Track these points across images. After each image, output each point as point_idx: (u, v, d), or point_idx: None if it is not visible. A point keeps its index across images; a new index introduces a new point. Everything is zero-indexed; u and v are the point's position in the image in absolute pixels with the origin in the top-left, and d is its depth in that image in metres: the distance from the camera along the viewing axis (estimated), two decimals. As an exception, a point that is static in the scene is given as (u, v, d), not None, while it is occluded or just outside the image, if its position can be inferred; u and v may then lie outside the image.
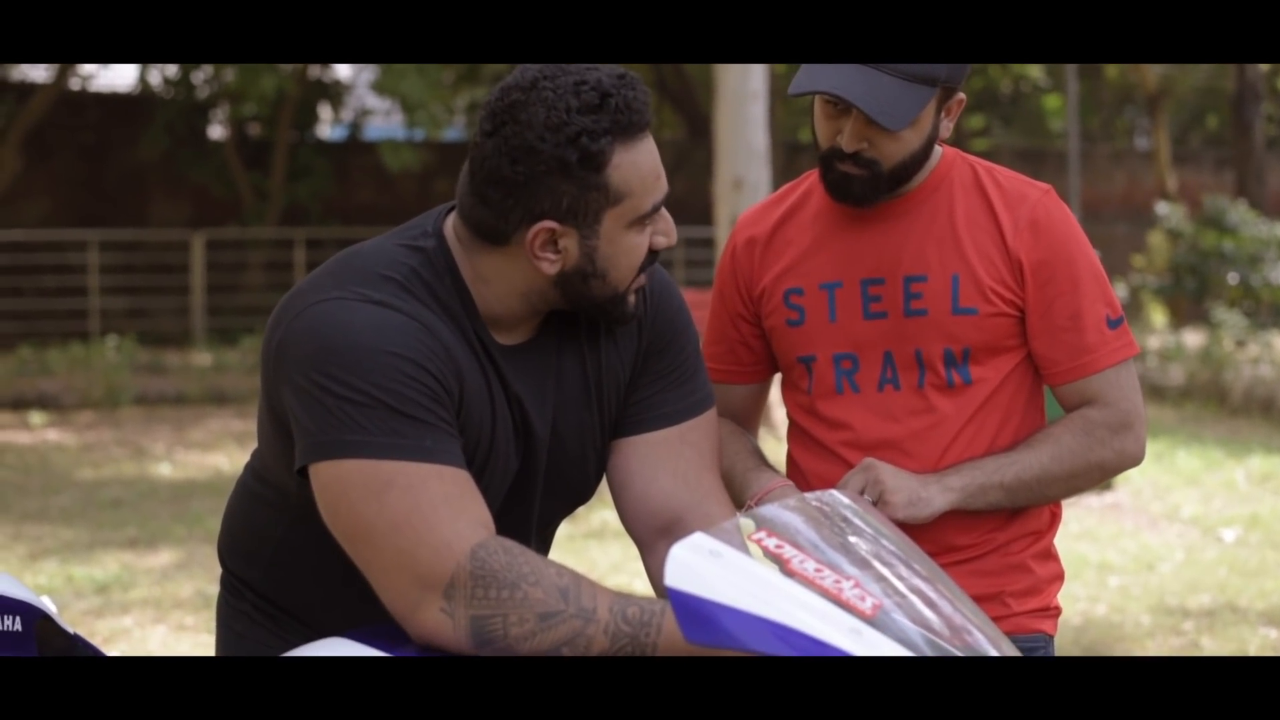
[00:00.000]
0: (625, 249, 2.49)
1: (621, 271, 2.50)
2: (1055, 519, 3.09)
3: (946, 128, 2.95)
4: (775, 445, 3.26)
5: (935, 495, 2.88)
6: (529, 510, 2.64)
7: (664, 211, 2.52)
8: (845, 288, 2.99)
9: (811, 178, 3.09)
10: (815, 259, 3.02)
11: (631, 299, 2.56)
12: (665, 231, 2.53)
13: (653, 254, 2.54)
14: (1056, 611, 3.09)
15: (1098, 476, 3.01)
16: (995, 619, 2.65)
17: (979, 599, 2.27)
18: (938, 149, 3.00)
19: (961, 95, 2.96)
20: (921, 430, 2.97)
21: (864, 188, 2.92)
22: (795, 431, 3.12)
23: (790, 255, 3.05)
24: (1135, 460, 3.01)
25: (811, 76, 2.85)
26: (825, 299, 3.00)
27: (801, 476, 3.07)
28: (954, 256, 2.95)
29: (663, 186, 2.48)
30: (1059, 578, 3.10)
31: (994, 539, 2.99)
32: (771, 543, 2.03)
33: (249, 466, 2.74)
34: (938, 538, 2.91)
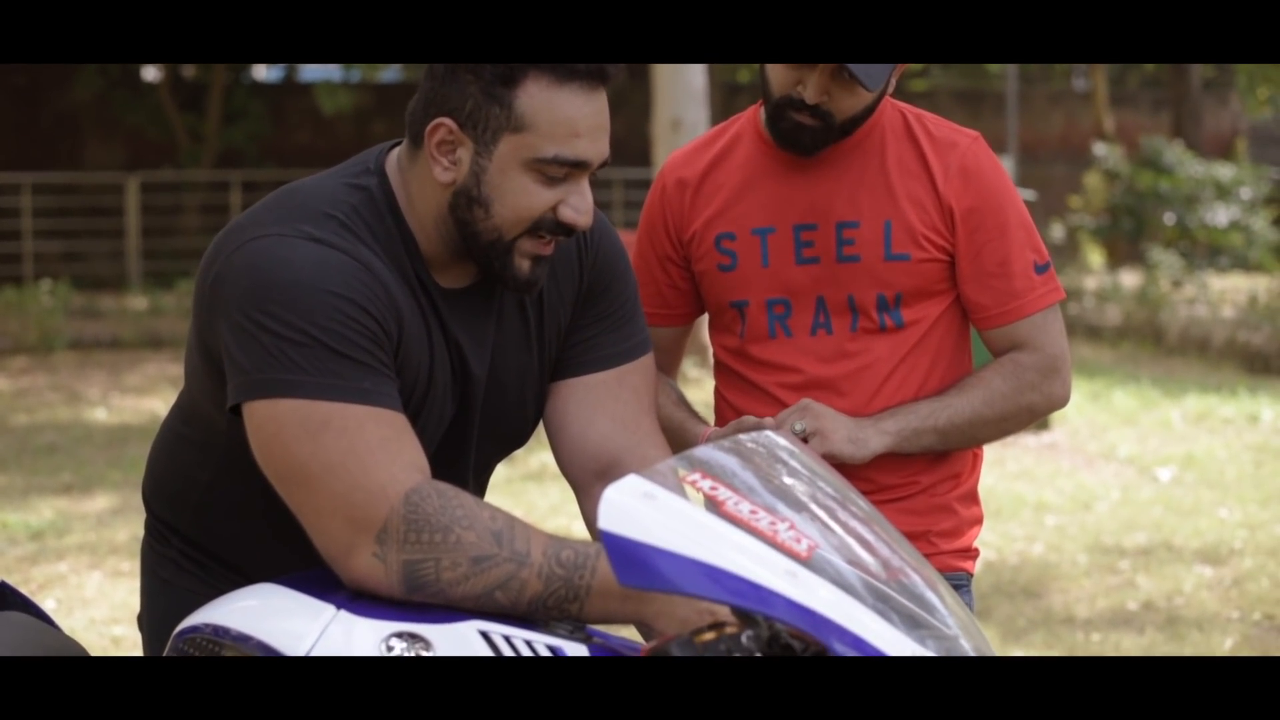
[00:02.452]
0: (516, 188, 2.42)
1: (507, 210, 2.43)
2: (977, 461, 3.14)
3: (892, 84, 2.96)
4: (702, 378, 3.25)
5: (872, 437, 2.91)
6: (465, 454, 2.62)
7: (584, 187, 2.45)
8: (778, 233, 3.00)
9: (740, 120, 3.10)
10: (747, 204, 3.02)
11: (524, 264, 2.48)
12: (577, 206, 2.45)
13: (559, 224, 2.45)
14: (975, 553, 3.15)
15: (1026, 419, 3.04)
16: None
17: (907, 537, 2.27)
18: None
19: None
20: (854, 371, 3.00)
21: (814, 138, 2.92)
22: (724, 371, 3.14)
23: (721, 199, 3.05)
24: (1062, 402, 3.06)
25: None
26: (758, 244, 3.01)
27: (735, 413, 3.08)
28: (886, 202, 2.97)
29: (579, 147, 2.41)
30: (979, 521, 3.15)
31: (919, 480, 3.03)
32: (706, 484, 2.02)
33: (176, 406, 2.70)
34: (867, 475, 2.95)
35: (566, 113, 2.39)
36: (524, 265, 2.48)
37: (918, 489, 3.03)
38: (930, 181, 2.97)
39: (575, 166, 2.42)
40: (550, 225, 2.45)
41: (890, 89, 2.96)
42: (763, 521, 1.98)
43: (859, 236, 2.96)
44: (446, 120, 2.42)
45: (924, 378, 3.01)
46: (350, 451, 2.29)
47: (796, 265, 2.99)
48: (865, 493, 2.45)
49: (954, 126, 3.04)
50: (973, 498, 3.13)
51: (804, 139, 2.92)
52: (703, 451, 2.11)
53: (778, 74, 2.90)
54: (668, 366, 3.21)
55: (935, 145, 2.99)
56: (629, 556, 1.90)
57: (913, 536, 2.88)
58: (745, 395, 3.07)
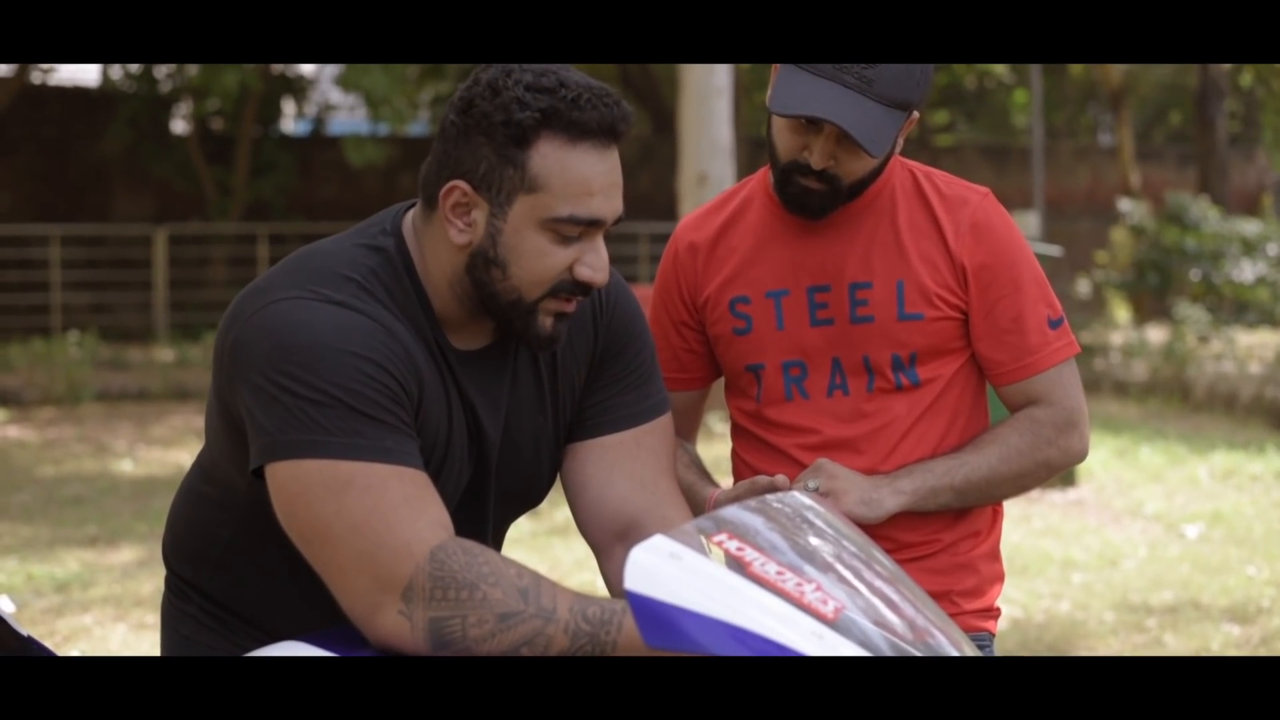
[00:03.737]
0: (532, 249, 2.43)
1: (524, 272, 2.44)
2: (997, 518, 3.12)
3: (899, 145, 2.97)
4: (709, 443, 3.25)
5: (887, 497, 2.90)
6: (484, 514, 2.62)
7: (599, 245, 2.46)
8: (792, 295, 3.00)
9: (751, 183, 3.11)
10: (760, 267, 3.03)
11: (547, 321, 2.48)
12: (592, 264, 2.45)
13: (577, 284, 2.46)
14: (997, 613, 3.12)
15: (1044, 475, 3.03)
16: None
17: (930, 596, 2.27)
18: None
19: (916, 114, 2.96)
20: (872, 431, 2.99)
21: (822, 202, 2.93)
22: (741, 434, 3.13)
23: (734, 263, 3.05)
24: (1079, 457, 3.04)
25: (799, 97, 2.82)
26: (772, 307, 3.01)
27: (751, 473, 3.07)
28: (898, 263, 2.97)
29: (593, 206, 2.42)
30: (1000, 579, 3.13)
31: (940, 539, 3.01)
32: (733, 545, 2.02)
33: (196, 464, 2.70)
34: (888, 534, 2.93)
35: (580, 172, 2.40)
36: (547, 324, 2.49)
37: (939, 547, 3.01)
38: (941, 239, 2.97)
39: (590, 225, 2.43)
40: (568, 286, 2.46)
41: (897, 149, 2.97)
42: (789, 583, 1.98)
43: (872, 297, 2.96)
44: (460, 183, 2.42)
45: (942, 435, 3.00)
46: (374, 510, 2.29)
47: (811, 327, 2.99)
48: (886, 551, 2.44)
49: (964, 183, 3.04)
50: (994, 555, 3.11)
51: (811, 203, 2.93)
52: (729, 512, 2.11)
53: (784, 139, 2.91)
54: (686, 430, 3.21)
55: (946, 203, 2.99)
56: (655, 617, 1.90)
57: (935, 596, 2.86)
58: (763, 457, 3.07)
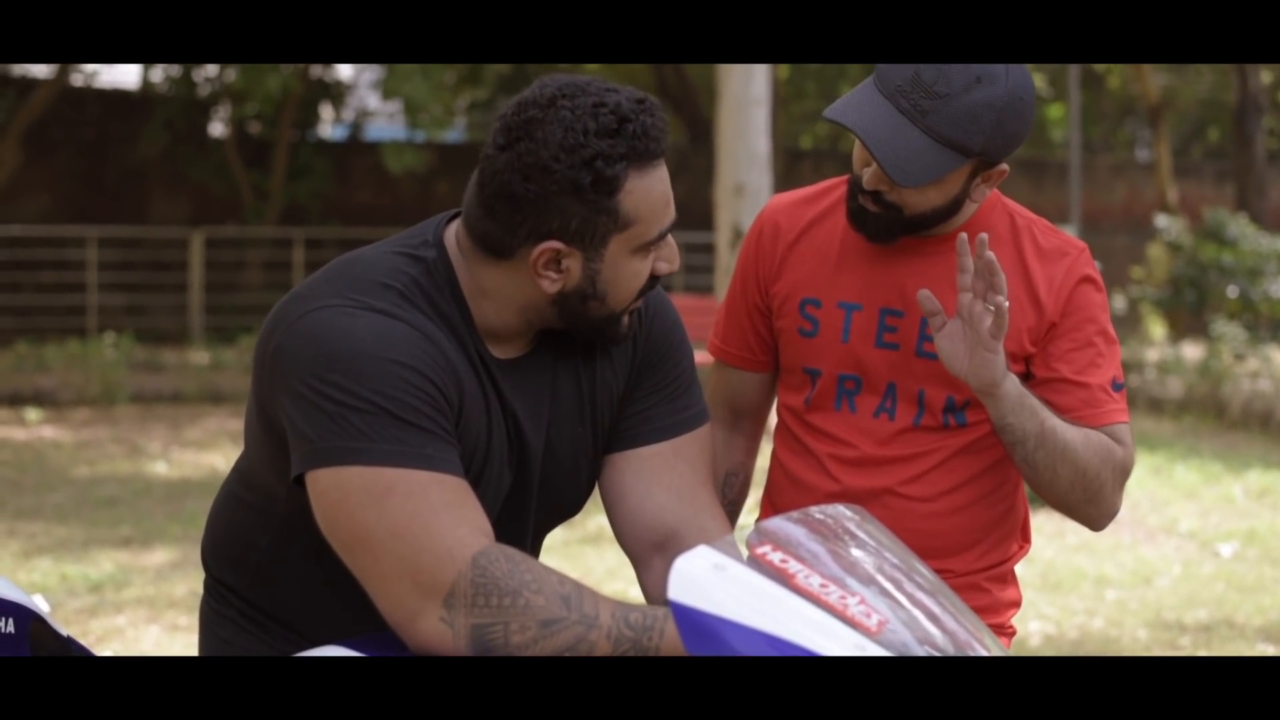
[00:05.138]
0: (628, 274, 2.47)
1: (621, 295, 2.49)
2: (1021, 552, 3.10)
3: (983, 193, 2.89)
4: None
5: (1001, 367, 2.79)
6: (525, 522, 2.63)
7: (669, 237, 2.50)
8: (864, 311, 2.96)
9: (845, 184, 3.02)
10: (839, 275, 2.98)
11: (626, 320, 2.54)
12: (668, 258, 2.51)
13: (654, 279, 2.52)
14: (1012, 632, 3.11)
15: (1092, 491, 2.91)
16: None
17: None
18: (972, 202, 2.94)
19: (1004, 167, 2.86)
20: (907, 456, 2.97)
21: (878, 227, 2.89)
22: (784, 432, 3.11)
23: (813, 263, 3.01)
24: (1111, 511, 2.96)
25: (848, 104, 2.79)
26: (842, 318, 2.98)
27: (785, 476, 3.07)
28: None
29: (671, 214, 2.46)
30: (1016, 604, 3.11)
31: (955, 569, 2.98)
32: (776, 557, 2.02)
33: (235, 470, 2.71)
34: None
35: (658, 193, 2.43)
36: (627, 322, 2.55)
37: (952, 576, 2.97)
38: (1031, 291, 2.92)
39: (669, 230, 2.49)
40: (650, 285, 2.52)
41: (977, 197, 2.89)
42: (833, 595, 1.97)
43: None
44: (552, 243, 2.42)
45: (974, 474, 2.97)
46: (416, 516, 2.29)
47: (876, 348, 2.95)
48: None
49: (1065, 236, 2.98)
50: (1009, 580, 3.09)
51: (868, 224, 2.89)
52: (773, 523, 2.11)
53: (857, 151, 2.87)
54: (750, 421, 3.19)
55: (1041, 254, 2.94)
56: (698, 627, 1.90)
57: None
58: (799, 459, 3.05)
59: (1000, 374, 2.78)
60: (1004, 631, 3.07)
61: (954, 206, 2.88)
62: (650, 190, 2.41)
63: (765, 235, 3.07)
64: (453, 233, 2.55)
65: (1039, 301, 2.92)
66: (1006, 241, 2.95)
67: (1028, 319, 2.92)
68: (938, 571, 2.92)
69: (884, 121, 2.75)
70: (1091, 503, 2.92)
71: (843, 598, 1.98)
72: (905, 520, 2.92)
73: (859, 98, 2.79)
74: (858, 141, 2.83)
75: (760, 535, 2.05)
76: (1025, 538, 3.11)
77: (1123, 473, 2.93)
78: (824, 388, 3.01)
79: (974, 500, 2.99)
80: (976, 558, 3.01)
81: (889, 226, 2.88)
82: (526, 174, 2.37)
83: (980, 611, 3.00)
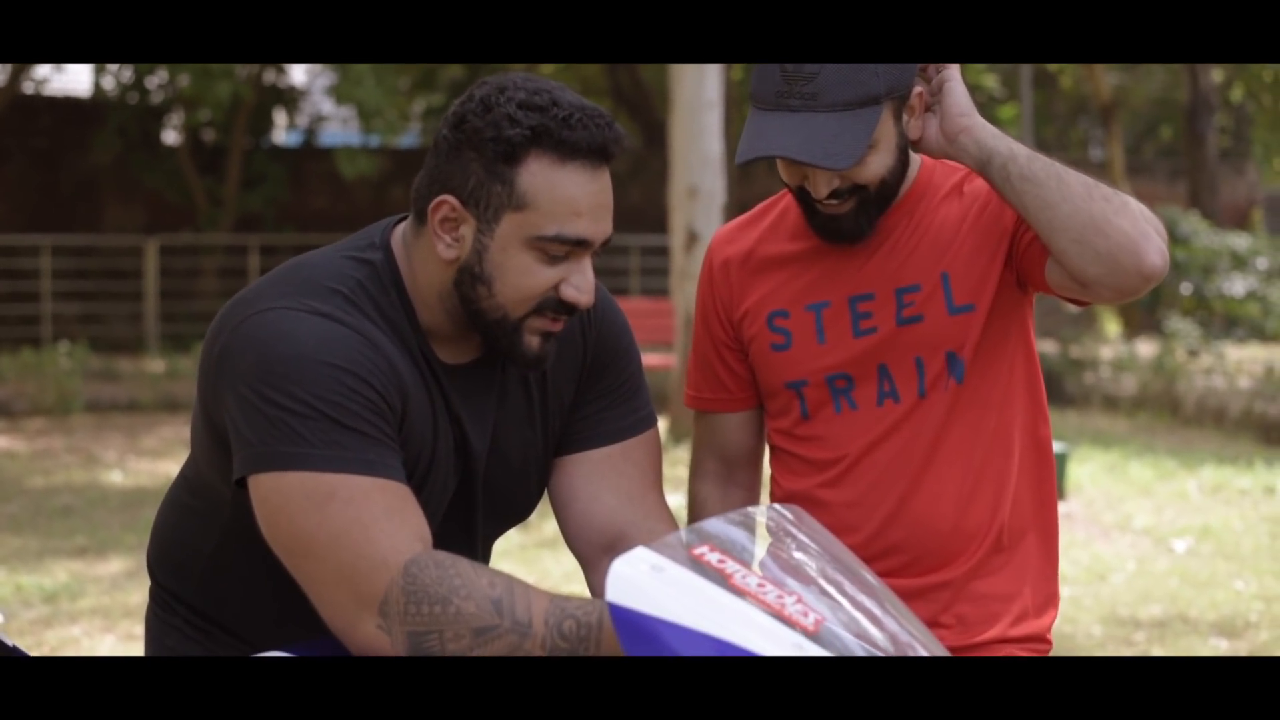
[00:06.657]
0: (517, 265, 2.43)
1: (509, 290, 2.44)
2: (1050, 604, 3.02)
3: (915, 127, 2.83)
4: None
5: (981, 127, 2.77)
6: (472, 527, 2.62)
7: (586, 266, 2.46)
8: (833, 307, 2.91)
9: (788, 195, 2.96)
10: (798, 280, 2.94)
11: (533, 340, 2.48)
12: (579, 285, 2.45)
13: (562, 304, 2.46)
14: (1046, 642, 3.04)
15: (1109, 202, 2.68)
16: None
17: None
18: (916, 156, 2.92)
19: (919, 89, 2.81)
20: (916, 434, 2.89)
21: (853, 222, 2.83)
22: (779, 455, 3.04)
23: (771, 278, 2.96)
24: (1143, 232, 2.67)
25: (749, 141, 2.74)
26: (813, 320, 2.92)
27: (790, 498, 2.96)
28: (941, 256, 2.87)
29: (580, 226, 2.41)
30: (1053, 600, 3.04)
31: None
32: (714, 557, 2.02)
33: (181, 476, 2.70)
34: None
35: (568, 191, 2.40)
36: (533, 342, 2.48)
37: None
38: (983, 203, 2.87)
39: (577, 245, 2.42)
40: (553, 305, 2.46)
41: (913, 133, 2.82)
42: (770, 595, 1.98)
43: (919, 298, 2.86)
44: (449, 198, 2.43)
45: (993, 432, 2.89)
46: (355, 522, 2.29)
47: (855, 339, 2.89)
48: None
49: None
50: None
51: (844, 227, 2.83)
52: (712, 524, 2.11)
53: (784, 172, 2.82)
54: (743, 466, 3.10)
55: (975, 181, 2.89)
56: (636, 629, 1.90)
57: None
58: (799, 476, 2.99)
59: (967, 107, 2.77)
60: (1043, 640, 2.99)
61: (902, 157, 2.83)
62: (560, 183, 2.39)
63: (716, 269, 3.02)
64: (399, 233, 2.55)
65: (999, 206, 2.84)
66: (951, 193, 2.91)
67: (1002, 221, 2.85)
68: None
69: (792, 130, 2.71)
70: (1120, 214, 2.67)
71: (780, 597, 1.98)
72: (931, 523, 2.89)
73: (756, 128, 2.74)
74: (780, 168, 2.81)
75: (699, 536, 2.06)
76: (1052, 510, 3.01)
77: (1145, 217, 2.70)
78: (816, 396, 2.94)
79: (982, 478, 2.91)
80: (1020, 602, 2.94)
81: (864, 215, 2.82)
82: (450, 124, 2.44)
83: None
